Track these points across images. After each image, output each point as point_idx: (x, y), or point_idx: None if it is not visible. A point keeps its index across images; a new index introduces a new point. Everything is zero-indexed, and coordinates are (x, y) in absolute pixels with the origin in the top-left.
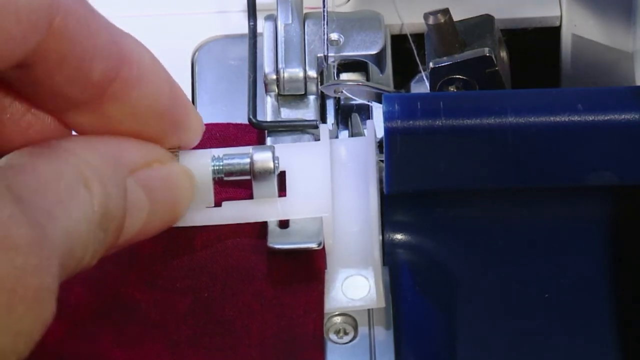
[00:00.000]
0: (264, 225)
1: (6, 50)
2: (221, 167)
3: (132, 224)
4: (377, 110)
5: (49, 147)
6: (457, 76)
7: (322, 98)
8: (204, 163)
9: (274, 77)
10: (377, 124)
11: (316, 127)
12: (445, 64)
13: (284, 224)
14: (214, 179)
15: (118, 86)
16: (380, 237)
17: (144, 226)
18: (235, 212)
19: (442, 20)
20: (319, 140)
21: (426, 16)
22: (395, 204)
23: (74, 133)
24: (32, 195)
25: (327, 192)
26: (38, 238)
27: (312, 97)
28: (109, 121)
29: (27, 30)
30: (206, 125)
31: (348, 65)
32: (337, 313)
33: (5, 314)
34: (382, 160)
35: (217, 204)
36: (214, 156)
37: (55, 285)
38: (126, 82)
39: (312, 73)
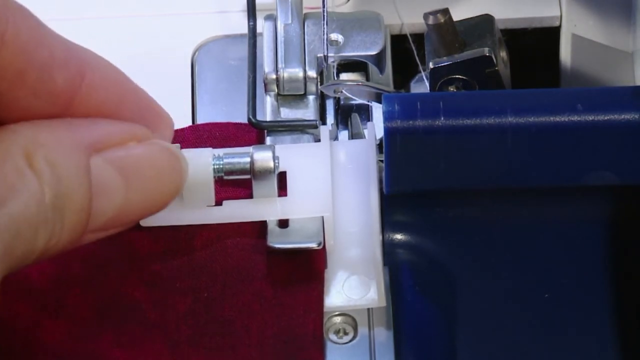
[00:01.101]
0: (263, 225)
1: None
2: (221, 166)
3: (105, 206)
4: (377, 110)
5: None
6: (457, 76)
7: (322, 98)
8: (205, 162)
9: (274, 77)
10: (377, 124)
11: (316, 127)
12: (445, 64)
13: (283, 224)
14: (214, 177)
15: (84, 92)
16: (381, 237)
17: (123, 208)
18: (235, 211)
19: (442, 20)
20: (318, 140)
21: (426, 16)
22: (395, 204)
23: None
24: None
25: (327, 192)
26: None
27: (311, 97)
28: None
29: None
30: (206, 125)
31: (348, 65)
32: (337, 313)
33: None
34: (381, 160)
35: (218, 203)
36: (214, 155)
37: None
38: (91, 88)
39: (312, 73)
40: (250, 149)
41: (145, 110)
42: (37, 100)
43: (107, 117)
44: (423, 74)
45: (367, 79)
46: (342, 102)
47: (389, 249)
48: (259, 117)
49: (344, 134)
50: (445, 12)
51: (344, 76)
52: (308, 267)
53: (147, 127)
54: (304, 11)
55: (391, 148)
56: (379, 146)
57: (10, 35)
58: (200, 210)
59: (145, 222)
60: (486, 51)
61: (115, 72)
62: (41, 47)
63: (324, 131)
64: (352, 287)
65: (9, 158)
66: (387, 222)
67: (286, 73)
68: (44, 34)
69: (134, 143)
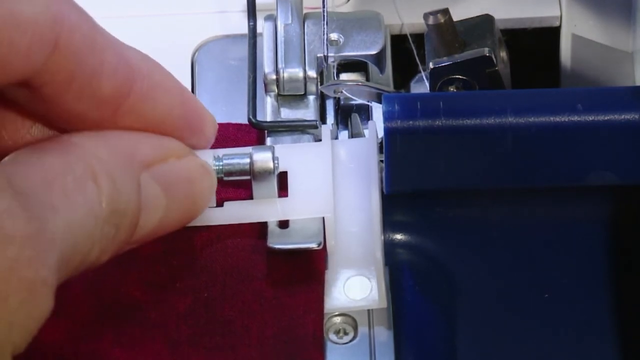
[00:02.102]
0: (264, 226)
1: (10, 63)
2: (221, 167)
3: (148, 220)
4: (377, 110)
5: (58, 142)
6: (457, 76)
7: (322, 98)
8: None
9: (274, 77)
10: (377, 124)
11: (316, 127)
12: (445, 64)
13: (283, 224)
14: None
15: (131, 102)
16: (382, 238)
17: (161, 222)
18: (236, 212)
19: (442, 20)
20: (319, 140)
21: (426, 16)
22: (395, 204)
23: None
24: (35, 188)
25: (328, 193)
26: (35, 231)
27: (312, 97)
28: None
29: (31, 44)
30: None
31: (348, 65)
32: (337, 313)
33: None
34: (381, 160)
35: (218, 204)
36: (214, 156)
37: (52, 279)
38: (139, 97)
39: (312, 73)
40: (249, 149)
41: (191, 116)
42: (81, 104)
43: (154, 125)
44: (423, 74)
45: (367, 79)
46: (342, 102)
47: (389, 249)
48: (259, 118)
49: (344, 134)
50: (445, 12)
51: (344, 76)
52: (308, 268)
53: (192, 130)
54: (304, 11)
55: (391, 148)
56: (380, 146)
57: (64, 39)
58: None
59: None
60: (486, 51)
61: (167, 80)
62: (93, 54)
63: (326, 131)
64: (353, 288)
65: (71, 170)
66: (387, 222)
67: (286, 73)
68: (97, 40)
69: (174, 159)
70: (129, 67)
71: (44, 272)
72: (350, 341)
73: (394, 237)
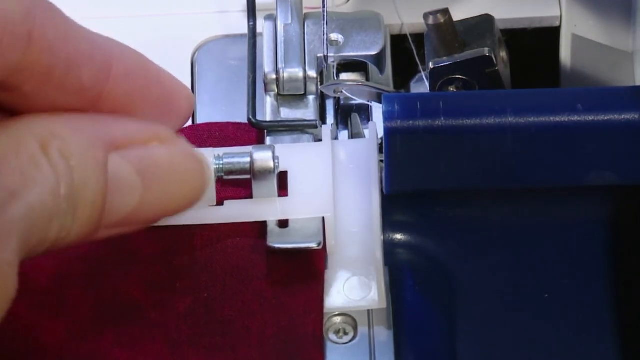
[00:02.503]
0: (263, 225)
1: None
2: (221, 166)
3: (120, 204)
4: (377, 110)
5: (15, 119)
6: (457, 76)
7: (322, 98)
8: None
9: (274, 77)
10: (377, 124)
11: (316, 127)
12: (445, 64)
13: (283, 224)
14: (215, 177)
15: (111, 85)
16: (382, 238)
17: (139, 207)
18: (237, 211)
19: (442, 20)
20: (319, 140)
21: (426, 16)
22: (395, 204)
23: None
24: None
25: (329, 192)
26: None
27: (311, 97)
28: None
29: (4, 42)
30: (205, 124)
31: (348, 65)
32: (336, 313)
33: None
34: (381, 161)
35: (219, 203)
36: (214, 155)
37: (15, 261)
38: (117, 80)
39: (312, 73)
40: (250, 148)
41: (168, 93)
42: (64, 95)
43: (134, 106)
44: (423, 74)
45: (367, 79)
46: (342, 102)
47: (389, 249)
48: (259, 117)
49: (344, 134)
50: (445, 12)
51: (344, 76)
52: (308, 267)
53: (170, 106)
54: (304, 11)
55: (391, 148)
56: (380, 146)
57: (37, 33)
58: (201, 210)
59: None
60: (486, 51)
61: (139, 60)
62: (67, 44)
63: (326, 131)
64: (353, 288)
65: (24, 148)
66: (387, 222)
67: (286, 73)
68: (69, 30)
69: (157, 143)
70: (103, 52)
71: (6, 254)
72: (350, 341)
73: (394, 237)
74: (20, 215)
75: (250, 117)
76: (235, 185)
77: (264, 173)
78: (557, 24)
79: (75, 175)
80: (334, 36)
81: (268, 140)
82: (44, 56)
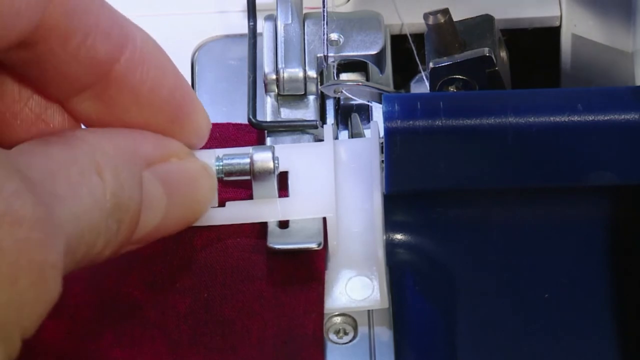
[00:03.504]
0: (264, 226)
1: (9, 24)
2: (221, 167)
3: (148, 219)
4: (377, 110)
5: (63, 136)
6: (457, 76)
7: (322, 98)
8: (208, 163)
9: (274, 77)
10: (378, 125)
11: (316, 127)
12: (445, 64)
13: (283, 224)
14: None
15: (122, 67)
16: (384, 238)
17: (162, 222)
18: (238, 212)
19: (442, 20)
20: (319, 140)
21: (426, 16)
22: (395, 204)
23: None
24: (42, 177)
25: (330, 193)
26: (43, 214)
27: (311, 97)
28: (114, 108)
29: (28, 2)
30: None
31: (348, 65)
32: (336, 313)
33: (7, 286)
34: (382, 160)
35: (220, 203)
36: (215, 156)
37: (60, 263)
38: (129, 63)
39: (312, 73)
40: (250, 149)
41: (181, 100)
42: (75, 65)
43: (140, 100)
44: (423, 74)
45: (367, 79)
46: (342, 102)
47: (389, 249)
48: (259, 118)
49: (344, 134)
50: (445, 12)
51: (344, 76)
52: (308, 268)
53: (178, 115)
54: (304, 11)
55: (391, 148)
56: (380, 146)
57: None
58: None
59: None
60: (486, 51)
61: (158, 53)
62: (87, 13)
63: (327, 131)
64: (355, 288)
65: (76, 163)
66: (387, 222)
67: (286, 73)
68: (93, 1)
69: (176, 159)
70: (122, 31)
71: (53, 255)
72: (350, 341)
73: (394, 237)
74: (66, 220)
75: (251, 117)
76: (236, 186)
77: (264, 174)
78: (557, 24)
79: (124, 192)
80: (334, 36)
81: (268, 140)
82: (63, 20)
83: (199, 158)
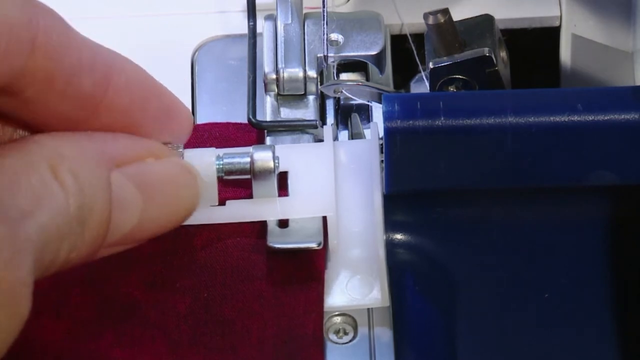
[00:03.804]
0: (264, 225)
1: None
2: (221, 166)
3: (123, 221)
4: (377, 110)
5: (19, 141)
6: (457, 76)
7: (322, 98)
8: (208, 162)
9: (274, 77)
10: (378, 125)
11: (316, 127)
12: (445, 64)
13: (283, 224)
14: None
15: (110, 96)
16: (384, 237)
17: (140, 224)
18: (238, 211)
19: (442, 20)
20: (319, 140)
21: (426, 16)
22: (395, 204)
23: None
24: (2, 192)
25: (330, 192)
26: (9, 233)
27: (311, 97)
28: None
29: (8, 47)
30: (206, 125)
31: (348, 65)
32: (337, 313)
33: None
34: (381, 161)
35: (220, 203)
36: (215, 155)
37: (30, 280)
38: (117, 91)
39: (312, 73)
40: (250, 149)
41: (166, 109)
42: (64, 104)
43: (133, 119)
44: (423, 74)
45: (367, 79)
46: (342, 102)
47: (389, 249)
48: (259, 117)
49: (344, 134)
50: (445, 12)
51: (344, 76)
52: (308, 267)
53: (167, 124)
54: (304, 11)
55: (391, 148)
56: (380, 146)
57: (41, 40)
58: (202, 210)
59: None
60: (486, 51)
61: (140, 74)
62: (70, 52)
63: (328, 131)
64: (356, 287)
65: (35, 170)
66: (387, 222)
67: (286, 73)
68: (72, 38)
69: (152, 159)
70: (104, 62)
71: (21, 273)
72: (350, 341)
73: (394, 237)
74: (34, 235)
75: (250, 117)
76: (237, 185)
77: (264, 173)
78: (557, 24)
79: (84, 195)
80: (334, 36)
81: (268, 140)
82: (46, 62)
83: (198, 157)
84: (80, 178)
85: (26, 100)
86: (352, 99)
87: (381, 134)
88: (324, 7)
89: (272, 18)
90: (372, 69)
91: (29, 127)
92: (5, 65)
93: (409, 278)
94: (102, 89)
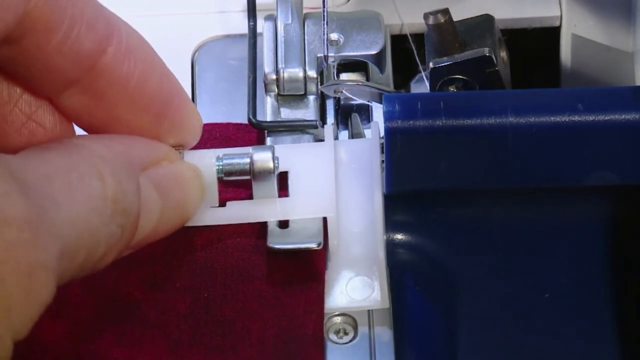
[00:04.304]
0: (264, 226)
1: None
2: (221, 167)
3: (145, 223)
4: (377, 110)
5: (61, 142)
6: (457, 76)
7: (322, 98)
8: (209, 163)
9: (274, 77)
10: (378, 124)
11: (316, 127)
12: (445, 64)
13: (283, 224)
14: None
15: (109, 59)
16: (385, 238)
17: (157, 225)
18: (238, 212)
19: (442, 20)
20: (319, 140)
21: (426, 16)
22: (395, 204)
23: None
24: (38, 181)
25: (331, 192)
26: (35, 216)
27: (312, 97)
28: (103, 103)
29: None
30: (206, 125)
31: (348, 65)
32: (337, 313)
33: None
34: (382, 161)
35: (221, 203)
36: (215, 156)
37: (52, 265)
38: (116, 55)
39: (312, 73)
40: (249, 149)
41: (168, 91)
42: (62, 59)
43: (128, 95)
44: (423, 74)
45: (367, 79)
46: (342, 102)
47: (389, 249)
48: (259, 117)
49: (344, 134)
50: (445, 12)
51: (344, 76)
52: (308, 268)
53: (168, 108)
54: (304, 11)
55: (391, 148)
56: (380, 146)
57: None
58: (202, 211)
59: None
60: (486, 51)
61: (144, 46)
62: (73, 6)
63: (328, 131)
64: (356, 288)
65: (75, 168)
66: (388, 222)
67: (286, 73)
68: None
69: (167, 163)
70: (107, 23)
71: (42, 256)
72: (350, 341)
73: (394, 237)
74: (62, 224)
75: (251, 117)
76: (237, 186)
77: (264, 174)
78: (557, 24)
79: (125, 197)
80: (334, 36)
81: (268, 140)
82: (46, 12)
83: (198, 158)
84: (122, 181)
85: (24, 50)
86: (352, 99)
87: (381, 133)
88: (324, 7)
89: (272, 18)
90: (372, 69)
91: (31, 89)
92: (8, 11)
93: (409, 278)
94: (100, 49)
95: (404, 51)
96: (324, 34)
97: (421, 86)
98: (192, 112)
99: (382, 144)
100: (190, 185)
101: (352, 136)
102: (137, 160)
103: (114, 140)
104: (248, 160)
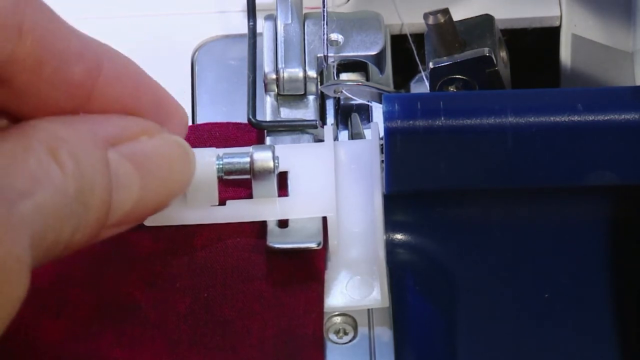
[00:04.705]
0: (264, 225)
1: None
2: (221, 166)
3: (122, 200)
4: (377, 110)
5: (17, 127)
6: (457, 76)
7: (322, 98)
8: (208, 161)
9: (274, 77)
10: (378, 125)
11: (316, 127)
12: (445, 64)
13: (283, 224)
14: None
15: (102, 84)
16: (384, 238)
17: (138, 202)
18: (238, 211)
19: (442, 20)
20: (319, 140)
21: (426, 16)
22: (395, 204)
23: None
24: None
25: (331, 192)
26: (3, 211)
27: (311, 97)
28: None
29: None
30: (206, 125)
31: (348, 65)
32: (337, 313)
33: None
34: (382, 161)
35: (220, 202)
36: (215, 155)
37: (25, 258)
38: (108, 79)
39: (312, 73)
40: (250, 149)
41: (161, 104)
42: (55, 92)
43: (124, 110)
44: (423, 74)
45: (367, 79)
46: (342, 102)
47: (389, 249)
48: (259, 117)
49: (343, 134)
50: (445, 12)
51: (344, 76)
52: (308, 267)
53: (162, 120)
54: (304, 11)
55: (391, 148)
56: (381, 146)
57: (27, 26)
58: (202, 210)
59: (149, 222)
60: (486, 51)
61: (132, 65)
62: (58, 38)
63: (328, 131)
64: (356, 288)
65: (32, 152)
66: (387, 222)
67: (286, 73)
68: (60, 26)
69: (146, 137)
70: (94, 51)
71: (16, 249)
72: (350, 341)
73: (394, 237)
74: (30, 213)
75: (250, 117)
76: (237, 185)
77: (264, 173)
78: (557, 24)
79: (84, 176)
80: (334, 36)
81: (268, 140)
82: (35, 49)
83: (198, 156)
84: (80, 160)
85: (17, 90)
86: (352, 99)
87: (381, 134)
88: (324, 7)
89: (272, 18)
90: (372, 69)
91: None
92: None
93: (409, 278)
94: (92, 78)
95: (404, 51)
96: (324, 34)
97: (421, 86)
98: (178, 111)
99: (382, 144)
100: (175, 158)
101: (352, 136)
102: (105, 135)
103: (76, 119)
104: (248, 159)
